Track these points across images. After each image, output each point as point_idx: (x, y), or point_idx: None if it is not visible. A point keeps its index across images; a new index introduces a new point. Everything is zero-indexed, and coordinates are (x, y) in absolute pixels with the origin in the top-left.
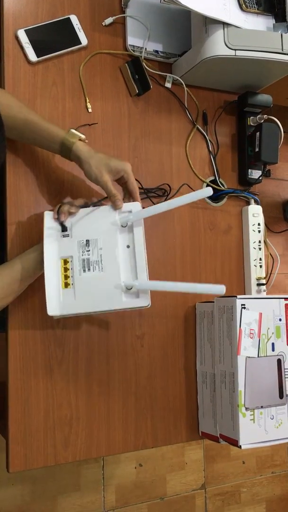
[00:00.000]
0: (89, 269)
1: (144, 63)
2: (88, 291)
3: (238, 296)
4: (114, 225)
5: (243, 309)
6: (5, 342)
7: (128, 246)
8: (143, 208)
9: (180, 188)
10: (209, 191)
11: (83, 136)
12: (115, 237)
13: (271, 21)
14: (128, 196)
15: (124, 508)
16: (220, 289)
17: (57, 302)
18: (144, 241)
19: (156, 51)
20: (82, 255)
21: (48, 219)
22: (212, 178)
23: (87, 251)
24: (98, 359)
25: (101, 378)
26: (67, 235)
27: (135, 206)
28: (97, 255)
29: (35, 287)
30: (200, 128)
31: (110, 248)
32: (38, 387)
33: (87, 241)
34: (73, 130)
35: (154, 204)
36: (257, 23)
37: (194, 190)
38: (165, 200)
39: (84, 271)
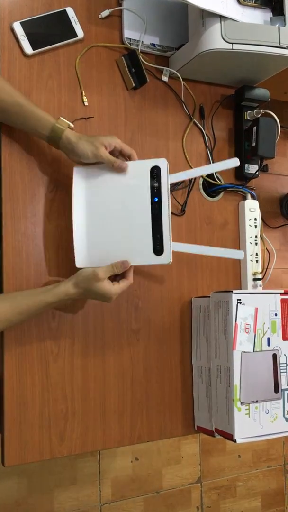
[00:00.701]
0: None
1: (140, 56)
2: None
3: (234, 291)
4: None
5: (239, 304)
6: (0, 338)
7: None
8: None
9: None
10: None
11: (72, 125)
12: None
13: (268, 15)
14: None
15: (120, 501)
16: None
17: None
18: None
19: (153, 44)
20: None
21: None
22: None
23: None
24: (93, 353)
25: (96, 373)
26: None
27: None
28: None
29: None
30: (197, 122)
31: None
32: (33, 382)
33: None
34: (63, 118)
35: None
36: (255, 17)
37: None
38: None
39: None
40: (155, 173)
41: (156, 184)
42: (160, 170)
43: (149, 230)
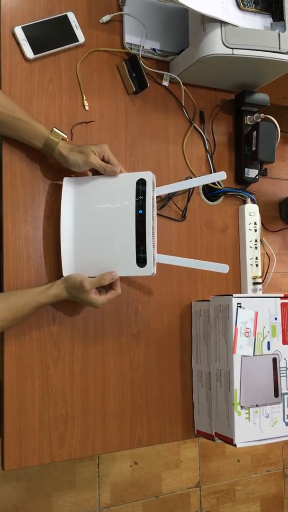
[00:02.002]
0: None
1: (141, 61)
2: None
3: (234, 295)
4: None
5: (239, 308)
6: (0, 341)
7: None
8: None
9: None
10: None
11: (65, 136)
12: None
13: (268, 20)
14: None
15: (119, 506)
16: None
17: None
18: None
19: (154, 49)
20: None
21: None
22: None
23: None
24: (93, 357)
25: (96, 376)
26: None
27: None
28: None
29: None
30: (197, 126)
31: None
32: (33, 385)
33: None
34: (56, 130)
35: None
36: (255, 22)
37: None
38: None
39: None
40: (140, 186)
41: (141, 197)
42: (145, 183)
43: (133, 242)
